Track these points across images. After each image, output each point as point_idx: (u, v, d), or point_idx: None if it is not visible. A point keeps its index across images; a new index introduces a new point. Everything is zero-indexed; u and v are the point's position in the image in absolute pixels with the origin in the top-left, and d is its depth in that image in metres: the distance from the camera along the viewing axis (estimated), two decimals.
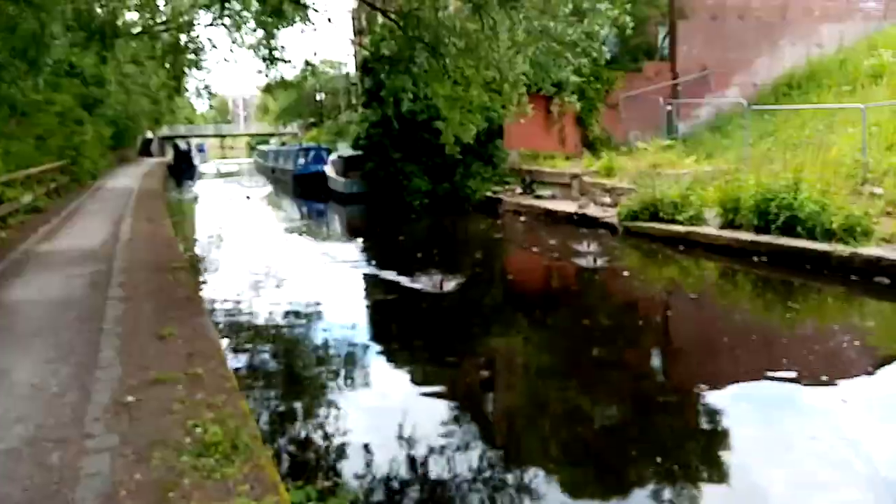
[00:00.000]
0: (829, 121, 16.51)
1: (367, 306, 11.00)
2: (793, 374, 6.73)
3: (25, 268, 10.24)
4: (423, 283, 10.79)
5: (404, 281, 11.11)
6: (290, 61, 15.32)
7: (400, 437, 5.76)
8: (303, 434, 5.95)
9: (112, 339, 6.49)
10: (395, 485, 5.04)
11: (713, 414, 6.11)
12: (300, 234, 19.60)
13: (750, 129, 16.88)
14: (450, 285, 10.62)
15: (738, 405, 6.20)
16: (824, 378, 6.66)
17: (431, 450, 5.50)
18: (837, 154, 13.64)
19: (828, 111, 17.18)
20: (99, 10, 14.03)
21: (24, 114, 17.94)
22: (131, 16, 17.53)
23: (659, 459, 5.23)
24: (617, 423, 6.24)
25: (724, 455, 5.34)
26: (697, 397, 6.39)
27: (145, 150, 59.87)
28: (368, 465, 5.32)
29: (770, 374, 6.72)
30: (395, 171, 22.96)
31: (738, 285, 11.23)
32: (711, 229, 13.21)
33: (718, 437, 5.72)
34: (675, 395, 6.65)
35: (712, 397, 6.35)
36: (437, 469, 5.23)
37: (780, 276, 10.98)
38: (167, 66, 16.66)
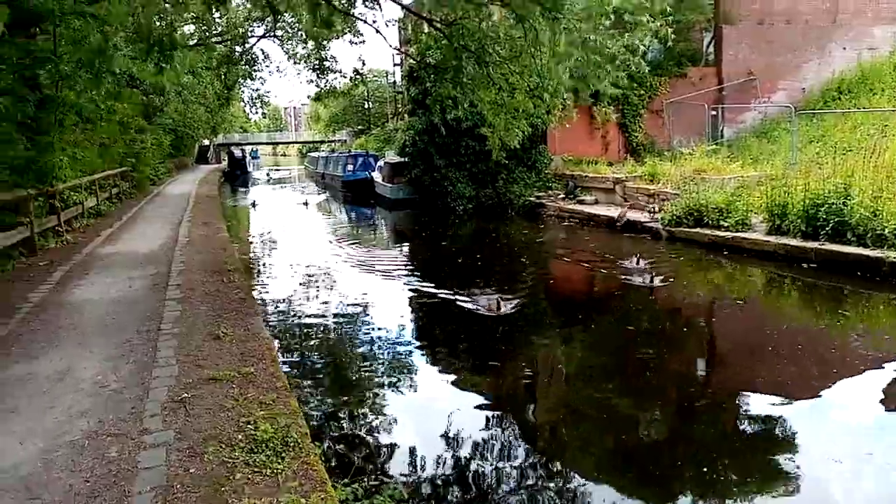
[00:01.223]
0: (881, 125, 16.11)
1: (421, 326, 10.31)
2: (843, 385, 6.67)
3: (89, 269, 10.67)
4: (479, 304, 10.04)
5: (459, 299, 10.47)
6: (340, 71, 15.71)
7: (445, 439, 5.92)
8: (350, 433, 6.14)
9: (170, 339, 6.75)
10: (440, 485, 5.20)
11: (764, 422, 6.08)
12: (349, 239, 20.02)
13: (797, 134, 16.56)
14: (507, 307, 9.80)
15: (787, 416, 6.14)
16: (874, 389, 6.57)
17: (476, 453, 5.64)
18: (891, 159, 13.33)
19: (880, 115, 16.76)
20: (158, 23, 14.63)
21: (89, 121, 18.73)
22: (189, 28, 18.25)
23: (705, 466, 5.28)
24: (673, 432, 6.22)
25: (776, 464, 5.33)
26: (745, 405, 6.39)
27: (202, 157, 61.23)
28: (413, 465, 5.49)
29: (818, 384, 6.69)
30: (440, 176, 23.26)
31: (786, 292, 11.07)
32: (758, 235, 13.06)
33: (771, 447, 5.68)
34: (723, 402, 6.61)
35: (761, 405, 6.34)
36: (480, 471, 5.37)
37: (828, 283, 10.80)
38: (222, 76, 17.21)
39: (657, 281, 11.23)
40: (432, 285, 11.75)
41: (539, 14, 9.40)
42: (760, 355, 7.89)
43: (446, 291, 11.14)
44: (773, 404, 6.37)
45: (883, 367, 7.09)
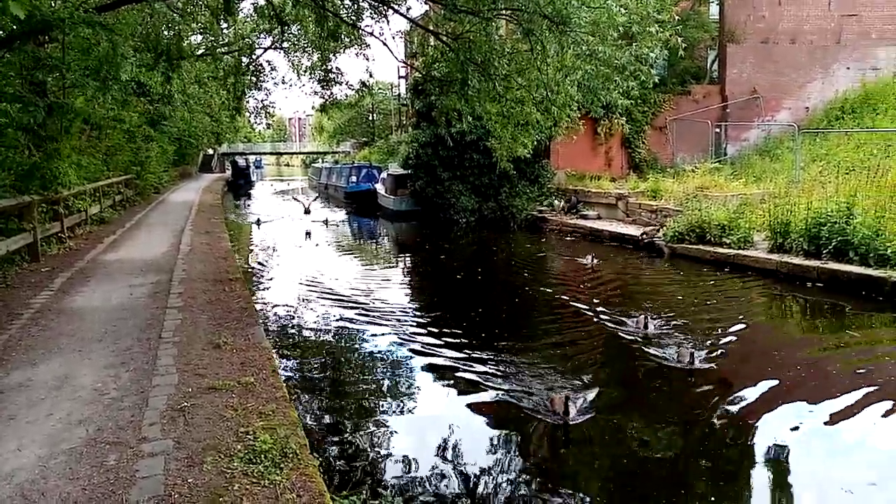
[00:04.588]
0: (884, 145, 16.14)
1: (420, 338, 9.46)
2: (843, 406, 6.62)
3: (90, 276, 10.68)
4: (543, 404, 6.71)
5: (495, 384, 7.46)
6: (346, 83, 15.77)
7: (445, 453, 5.89)
8: (349, 445, 6.09)
9: (170, 347, 6.75)
10: (438, 499, 5.16)
11: (763, 445, 5.97)
12: (351, 252, 20.01)
13: (801, 153, 16.59)
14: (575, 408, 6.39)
15: (784, 437, 6.07)
16: (878, 411, 6.51)
17: (475, 467, 5.60)
18: (894, 178, 13.34)
19: (884, 135, 16.81)
20: (165, 33, 14.74)
21: (95, 128, 18.83)
22: (196, 38, 18.37)
23: (707, 486, 5.24)
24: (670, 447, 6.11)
25: (767, 488, 5.29)
26: (749, 428, 6.29)
27: (205, 166, 61.56)
28: (412, 478, 5.46)
29: (818, 404, 6.63)
30: (444, 189, 23.36)
31: (787, 310, 11.01)
32: (760, 252, 13.07)
33: (767, 470, 5.60)
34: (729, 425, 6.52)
35: (762, 429, 6.26)
36: (480, 486, 5.33)
37: (829, 301, 10.75)
38: (228, 86, 17.29)
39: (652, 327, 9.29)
40: (428, 322, 10.54)
41: (546, 28, 9.47)
42: (760, 374, 7.82)
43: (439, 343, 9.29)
44: (772, 426, 6.31)
45: (887, 390, 7.03)
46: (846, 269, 11.17)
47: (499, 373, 7.83)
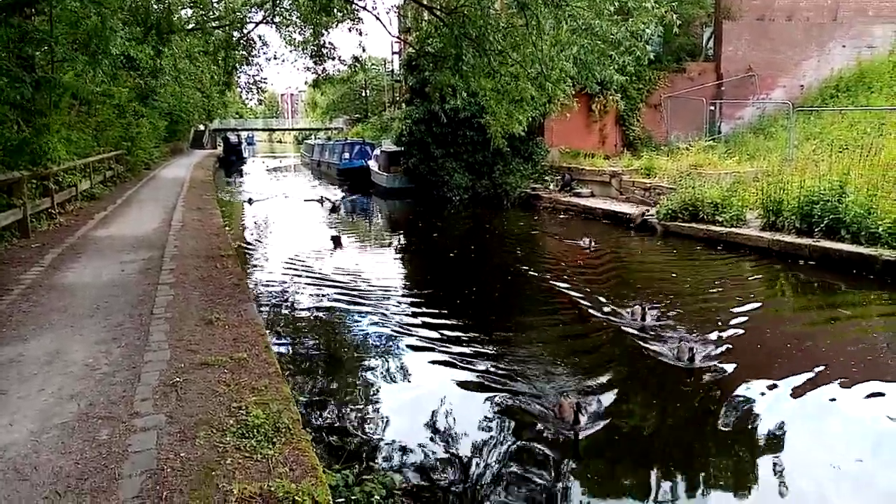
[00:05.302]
0: (878, 123, 16.12)
1: (411, 313, 9.61)
2: (833, 382, 6.67)
3: (81, 252, 10.62)
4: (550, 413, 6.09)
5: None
6: (338, 58, 15.58)
7: (438, 429, 5.92)
8: (342, 420, 6.12)
9: (162, 323, 6.73)
10: (430, 473, 5.18)
11: (753, 417, 6.06)
12: (344, 230, 19.94)
13: (795, 131, 16.56)
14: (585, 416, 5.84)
15: (775, 411, 6.13)
16: (864, 388, 6.56)
17: (467, 443, 5.62)
18: (887, 157, 13.36)
19: (878, 114, 16.79)
20: (155, 6, 14.50)
21: (85, 103, 18.60)
22: (186, 12, 18.07)
23: (696, 457, 5.30)
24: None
25: (759, 458, 5.34)
26: (736, 400, 6.36)
27: (197, 143, 61.12)
28: (405, 453, 5.49)
29: (809, 381, 6.67)
30: (437, 166, 23.26)
31: (779, 287, 11.03)
32: (752, 230, 13.10)
33: (757, 441, 5.67)
34: (719, 396, 6.55)
35: (751, 398, 6.35)
36: (471, 460, 5.35)
37: (820, 279, 10.82)
38: (219, 61, 17.04)
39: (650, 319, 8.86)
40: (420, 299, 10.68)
41: (542, 1, 9.36)
42: (753, 351, 7.88)
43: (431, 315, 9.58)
44: (763, 399, 6.37)
45: (873, 368, 7.08)
46: (838, 248, 11.22)
47: (490, 354, 7.81)
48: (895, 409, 6.09)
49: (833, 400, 6.36)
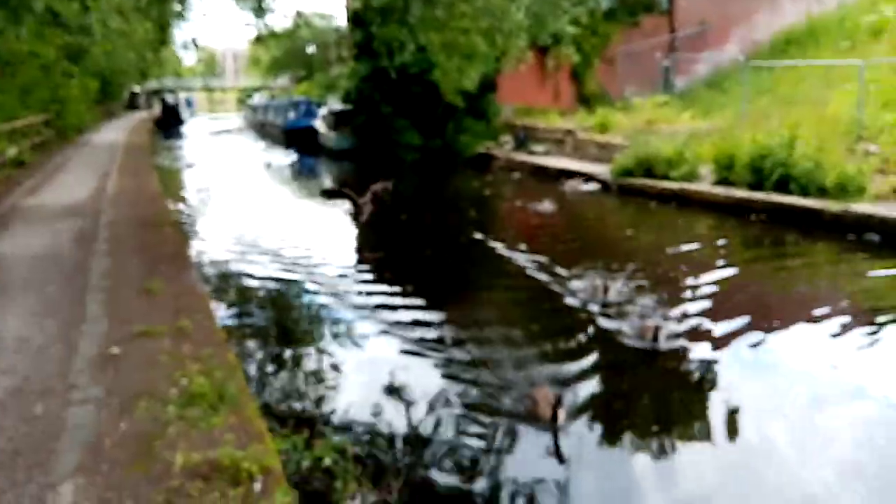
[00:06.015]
0: (826, 78, 16.33)
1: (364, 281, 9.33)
2: (781, 334, 6.71)
3: (11, 222, 10.15)
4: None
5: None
6: (277, 11, 14.93)
7: (391, 393, 5.70)
8: (292, 387, 5.94)
9: (98, 294, 6.45)
10: (381, 438, 5.01)
11: (703, 369, 6.06)
12: (290, 193, 19.40)
13: (748, 86, 16.65)
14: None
15: (725, 363, 6.15)
16: (809, 338, 6.65)
17: (417, 407, 5.43)
18: (834, 111, 13.54)
19: (826, 68, 16.99)
20: None
21: (8, 63, 17.53)
22: None
23: (649, 411, 5.24)
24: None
25: (712, 412, 5.29)
26: (688, 352, 6.34)
27: (132, 104, 59.14)
28: (357, 418, 5.28)
29: (760, 332, 6.67)
30: (386, 125, 22.73)
31: (729, 242, 11.00)
32: (705, 186, 13.18)
33: (707, 394, 5.66)
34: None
35: (700, 353, 6.32)
36: (425, 423, 5.19)
37: (772, 233, 10.93)
38: (152, 17, 16.18)
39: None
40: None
41: None
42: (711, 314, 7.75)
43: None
44: (711, 352, 6.36)
45: (819, 318, 7.09)
46: (788, 201, 11.35)
47: (442, 321, 7.46)
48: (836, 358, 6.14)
49: (781, 352, 6.43)
